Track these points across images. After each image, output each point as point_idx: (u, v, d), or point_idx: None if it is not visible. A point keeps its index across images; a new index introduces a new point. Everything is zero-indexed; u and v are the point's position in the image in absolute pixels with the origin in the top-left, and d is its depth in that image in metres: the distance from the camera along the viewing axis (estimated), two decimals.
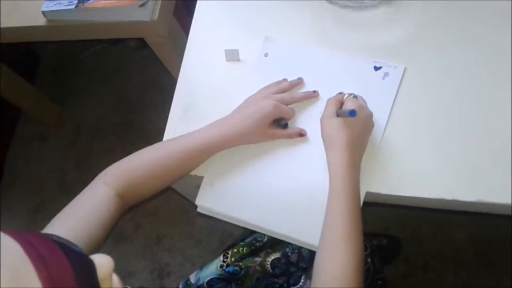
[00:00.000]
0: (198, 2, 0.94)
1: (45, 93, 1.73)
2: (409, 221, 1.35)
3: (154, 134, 1.83)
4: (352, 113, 0.66)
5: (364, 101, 0.75)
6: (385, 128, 0.76)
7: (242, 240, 0.85)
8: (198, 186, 0.84)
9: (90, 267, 0.33)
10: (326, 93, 0.79)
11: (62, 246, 0.32)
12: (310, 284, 0.76)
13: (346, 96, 0.75)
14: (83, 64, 1.92)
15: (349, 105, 0.70)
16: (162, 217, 1.60)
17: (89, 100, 1.85)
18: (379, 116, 0.76)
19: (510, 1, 0.81)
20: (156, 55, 1.16)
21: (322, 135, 0.73)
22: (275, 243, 0.84)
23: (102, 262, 0.34)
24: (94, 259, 0.34)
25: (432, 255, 1.30)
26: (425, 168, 0.73)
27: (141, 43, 1.90)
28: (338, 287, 0.59)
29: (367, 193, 0.73)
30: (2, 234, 0.30)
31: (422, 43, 0.82)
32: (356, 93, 0.76)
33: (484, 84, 0.77)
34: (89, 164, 1.74)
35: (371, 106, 0.75)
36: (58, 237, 0.35)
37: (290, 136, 0.77)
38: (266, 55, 0.86)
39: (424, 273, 1.28)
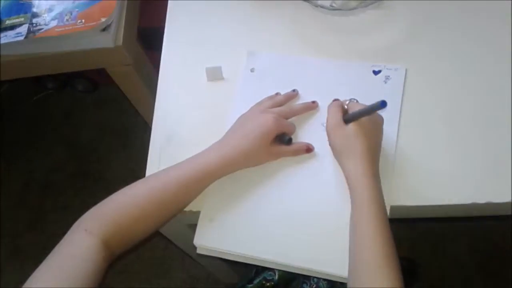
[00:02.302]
0: (167, 23, 0.85)
1: None
2: (404, 242, 1.27)
3: (116, 182, 1.67)
4: (384, 103, 0.58)
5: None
6: (398, 134, 0.69)
7: (250, 282, 0.74)
8: (190, 225, 0.74)
9: None
10: (326, 104, 0.72)
11: None
12: None
13: (348, 102, 0.68)
14: (26, 114, 1.76)
15: (356, 109, 0.64)
16: (134, 273, 1.43)
17: (37, 152, 1.69)
18: (389, 122, 0.70)
19: None
20: (110, 95, 1.04)
21: (333, 146, 0.66)
22: (289, 280, 0.73)
23: None
24: None
25: (437, 276, 1.22)
26: (449, 173, 0.67)
27: (91, 86, 1.77)
28: None
29: (392, 208, 0.64)
30: None
31: (417, 42, 0.78)
32: (358, 100, 0.70)
33: (490, 75, 0.73)
34: (43, 223, 1.55)
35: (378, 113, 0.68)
36: None
37: (296, 153, 0.68)
38: (252, 70, 0.78)
39: None
